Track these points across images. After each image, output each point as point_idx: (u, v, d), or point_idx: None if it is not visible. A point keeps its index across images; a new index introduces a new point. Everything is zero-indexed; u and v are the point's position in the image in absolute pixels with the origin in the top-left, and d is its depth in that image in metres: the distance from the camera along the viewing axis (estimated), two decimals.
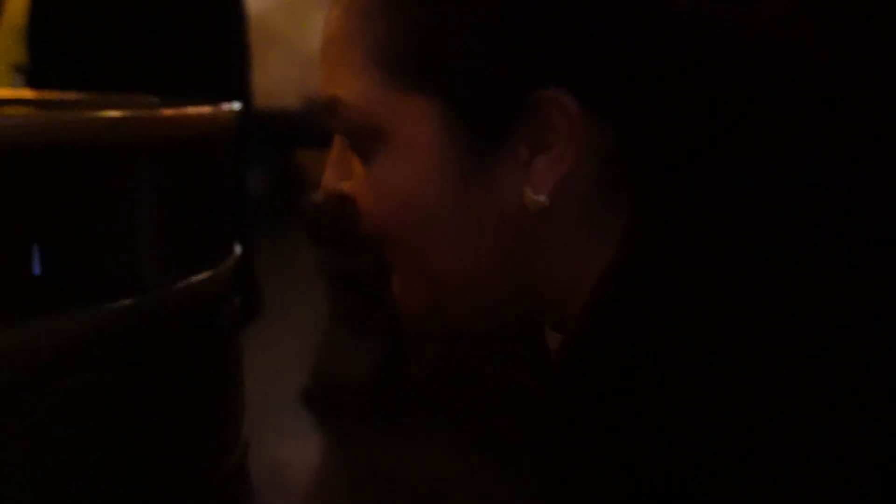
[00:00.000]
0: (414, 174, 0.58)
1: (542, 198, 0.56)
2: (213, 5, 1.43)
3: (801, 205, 0.54)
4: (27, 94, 0.97)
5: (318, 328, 2.77)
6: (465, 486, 2.06)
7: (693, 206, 0.56)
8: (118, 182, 0.60)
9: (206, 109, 0.68)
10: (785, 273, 0.53)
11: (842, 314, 0.53)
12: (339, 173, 0.62)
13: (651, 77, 0.56)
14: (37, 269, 0.51)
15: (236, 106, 0.69)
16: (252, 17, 1.55)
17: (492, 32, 0.55)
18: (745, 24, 0.58)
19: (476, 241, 0.59)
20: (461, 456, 2.21)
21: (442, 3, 0.56)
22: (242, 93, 1.46)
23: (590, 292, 0.57)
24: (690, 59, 0.57)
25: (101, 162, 0.57)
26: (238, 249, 0.74)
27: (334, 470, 2.36)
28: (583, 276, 0.58)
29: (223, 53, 1.45)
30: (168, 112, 0.64)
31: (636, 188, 0.57)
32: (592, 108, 0.55)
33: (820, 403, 0.52)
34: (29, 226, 0.53)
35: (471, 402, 2.31)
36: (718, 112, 0.56)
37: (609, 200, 0.58)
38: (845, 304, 0.54)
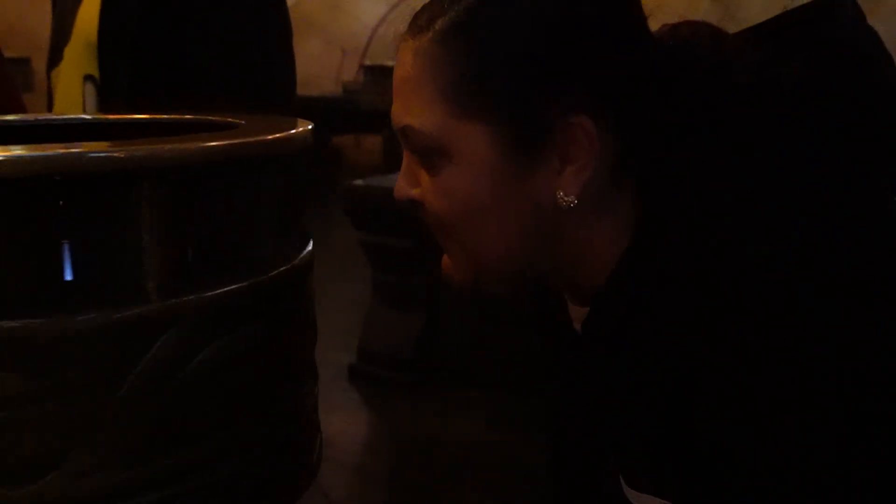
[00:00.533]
0: (472, 181, 0.73)
1: (571, 198, 0.72)
2: (264, 4, 1.45)
3: (760, 185, 0.68)
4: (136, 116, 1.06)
5: (360, 306, 2.85)
6: (501, 448, 2.15)
7: (683, 192, 0.70)
8: (244, 191, 0.75)
9: (299, 129, 0.80)
10: (760, 240, 0.66)
11: (818, 275, 0.65)
12: (409, 182, 0.77)
13: (646, 100, 0.72)
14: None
15: (310, 126, 0.83)
16: (288, 4, 1.58)
17: (530, 76, 0.70)
18: (714, 55, 0.74)
19: (517, 230, 0.74)
20: (496, 421, 2.30)
21: (492, 54, 0.71)
22: (288, 83, 1.48)
23: (616, 264, 0.73)
24: (673, 84, 0.72)
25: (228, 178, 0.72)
26: (311, 242, 0.84)
27: (381, 441, 2.44)
28: (599, 254, 0.74)
29: (271, 47, 1.42)
30: (272, 136, 0.76)
31: (638, 182, 0.73)
32: (605, 126, 0.71)
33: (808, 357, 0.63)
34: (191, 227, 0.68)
35: (503, 372, 2.40)
36: (694, 118, 0.71)
37: (617, 193, 0.74)
38: (817, 264, 0.65)
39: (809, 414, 0.64)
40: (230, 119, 0.88)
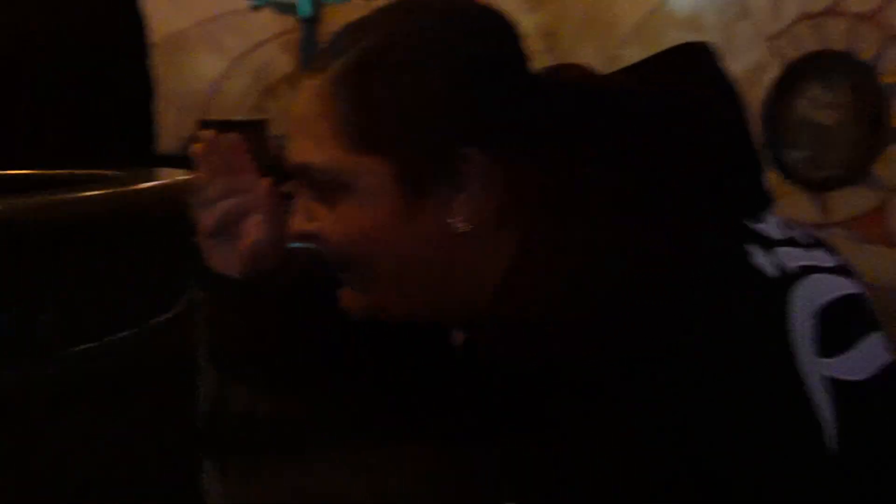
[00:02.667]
0: (371, 212, 0.76)
1: (461, 226, 0.77)
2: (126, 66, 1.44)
3: (636, 210, 0.74)
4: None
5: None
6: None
7: (563, 219, 0.75)
8: (109, 248, 0.69)
9: (173, 180, 0.77)
10: (629, 260, 0.71)
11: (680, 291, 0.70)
12: (304, 218, 0.80)
13: (530, 135, 0.78)
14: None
15: (188, 177, 0.81)
16: None
17: (426, 112, 0.76)
18: (589, 95, 0.80)
19: (415, 258, 0.78)
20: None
21: (387, 92, 0.75)
22: (150, 144, 1.51)
23: (495, 288, 0.76)
24: (555, 120, 0.79)
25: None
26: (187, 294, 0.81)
27: None
28: (486, 279, 0.77)
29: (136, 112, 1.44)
30: (143, 187, 0.72)
31: (524, 210, 0.78)
32: (494, 158, 0.77)
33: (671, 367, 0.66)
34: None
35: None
36: (574, 153, 0.78)
37: (505, 221, 0.79)
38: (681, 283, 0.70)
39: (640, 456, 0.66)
40: (103, 173, 0.89)
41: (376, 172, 0.75)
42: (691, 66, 0.83)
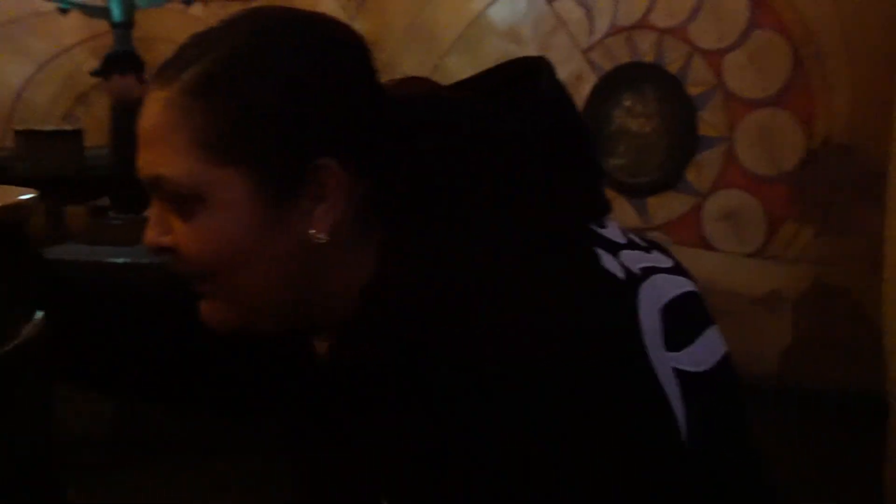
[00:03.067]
0: (229, 225, 0.75)
1: (322, 236, 0.76)
2: None
3: (475, 226, 0.76)
4: None
5: None
6: None
7: (419, 228, 0.77)
8: None
9: (21, 197, 0.75)
10: (484, 270, 0.73)
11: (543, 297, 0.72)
12: (160, 231, 0.78)
13: (380, 146, 0.79)
14: None
15: (33, 194, 0.78)
16: None
17: (280, 123, 0.75)
18: (436, 108, 0.82)
19: (275, 270, 0.77)
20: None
21: (241, 104, 0.75)
22: None
23: (357, 298, 0.77)
24: (402, 133, 0.79)
25: None
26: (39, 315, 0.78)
27: None
28: (349, 288, 0.78)
29: None
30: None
31: (383, 220, 0.79)
32: (351, 169, 0.76)
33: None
34: None
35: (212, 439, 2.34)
36: (427, 164, 0.79)
37: (366, 231, 0.79)
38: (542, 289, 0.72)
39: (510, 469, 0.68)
40: None
41: (233, 184, 0.75)
42: (529, 78, 0.84)
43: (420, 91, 0.84)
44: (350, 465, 0.82)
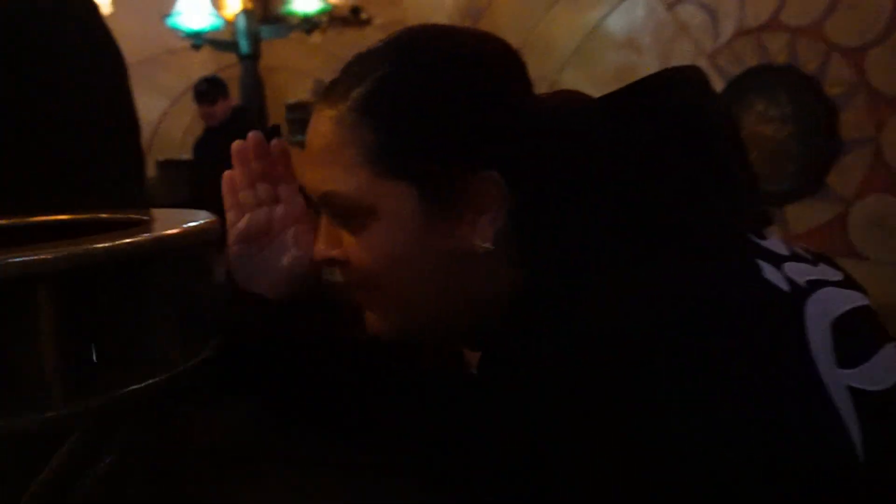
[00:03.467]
0: (398, 235, 0.79)
1: (487, 245, 0.79)
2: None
3: (623, 230, 0.76)
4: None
5: None
6: None
7: (571, 239, 0.78)
8: (147, 289, 0.71)
9: (203, 222, 0.77)
10: (630, 285, 0.72)
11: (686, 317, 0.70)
12: (329, 245, 0.83)
13: (537, 157, 0.80)
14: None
15: (215, 219, 0.82)
16: None
17: (444, 137, 0.78)
18: (584, 119, 0.83)
19: (438, 278, 0.80)
20: None
21: (407, 120, 0.77)
22: (137, 176, 1.42)
23: (506, 307, 0.79)
24: (555, 144, 0.81)
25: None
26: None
27: None
28: (498, 297, 0.80)
29: (121, 142, 1.38)
30: (173, 231, 0.73)
31: (533, 230, 0.80)
32: (508, 180, 0.78)
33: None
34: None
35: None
36: (577, 175, 0.80)
37: (516, 240, 0.80)
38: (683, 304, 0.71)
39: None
40: (133, 215, 0.86)
41: (402, 197, 0.78)
42: (679, 87, 0.84)
43: (571, 103, 0.86)
44: (502, 474, 0.81)
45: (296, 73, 6.47)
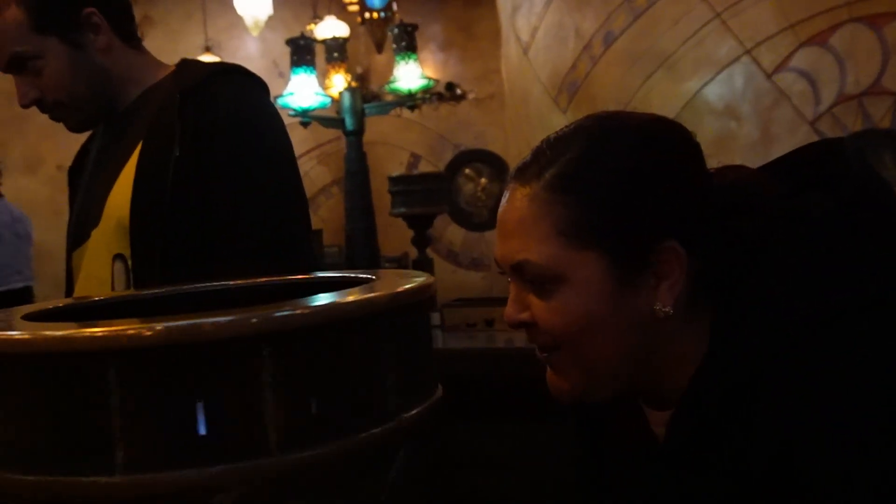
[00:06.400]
0: (587, 300, 0.85)
1: (668, 309, 0.86)
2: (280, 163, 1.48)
3: (816, 293, 0.82)
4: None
5: None
6: None
7: (751, 303, 0.84)
8: (367, 347, 0.74)
9: (422, 281, 0.82)
10: (833, 339, 0.78)
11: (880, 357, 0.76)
12: (518, 309, 0.89)
13: (712, 227, 0.87)
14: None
15: (432, 278, 0.86)
16: None
17: (629, 211, 0.85)
18: (754, 191, 0.90)
19: (622, 340, 0.87)
20: None
21: (597, 197, 0.85)
22: (307, 238, 1.51)
23: (689, 370, 0.85)
24: (730, 214, 0.88)
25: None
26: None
27: None
28: (681, 360, 0.87)
29: (292, 206, 1.48)
30: (396, 291, 0.77)
31: (713, 295, 0.87)
32: (687, 248, 0.85)
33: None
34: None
35: None
36: (752, 242, 0.87)
37: (696, 306, 0.87)
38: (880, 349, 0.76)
39: None
40: (360, 275, 0.91)
41: (589, 265, 0.85)
42: (832, 157, 0.90)
43: (737, 176, 0.91)
44: None
45: (392, 147, 6.65)
